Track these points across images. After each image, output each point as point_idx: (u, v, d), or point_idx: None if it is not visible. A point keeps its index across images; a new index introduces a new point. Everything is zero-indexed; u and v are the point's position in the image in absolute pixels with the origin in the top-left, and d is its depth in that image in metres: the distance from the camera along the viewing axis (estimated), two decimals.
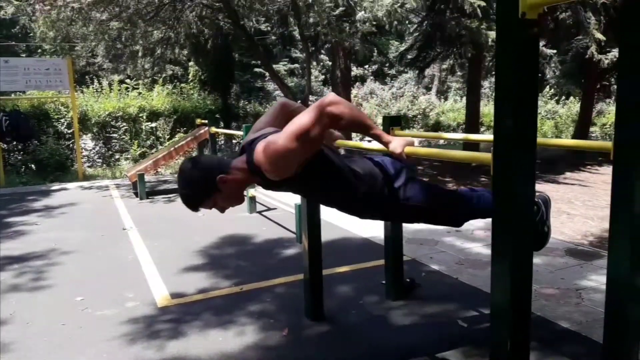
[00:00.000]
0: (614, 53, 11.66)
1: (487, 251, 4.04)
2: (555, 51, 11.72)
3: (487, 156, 1.55)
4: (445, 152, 1.81)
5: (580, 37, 11.61)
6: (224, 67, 14.35)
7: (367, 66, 29.29)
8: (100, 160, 10.98)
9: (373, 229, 4.52)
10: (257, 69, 22.24)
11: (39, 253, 4.29)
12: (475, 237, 4.45)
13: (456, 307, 2.96)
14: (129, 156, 10.86)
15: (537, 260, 3.79)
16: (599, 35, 11.52)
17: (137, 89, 12.03)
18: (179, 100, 12.76)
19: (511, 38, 1.40)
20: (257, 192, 5.59)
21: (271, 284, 3.42)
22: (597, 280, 3.33)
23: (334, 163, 1.88)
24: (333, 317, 2.86)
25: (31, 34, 11.58)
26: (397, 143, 1.95)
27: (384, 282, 3.19)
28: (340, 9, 7.50)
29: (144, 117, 11.32)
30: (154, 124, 11.45)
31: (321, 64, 24.29)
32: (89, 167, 10.45)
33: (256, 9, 8.52)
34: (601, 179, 11.87)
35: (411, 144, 1.94)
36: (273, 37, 16.45)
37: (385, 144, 1.95)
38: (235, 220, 5.34)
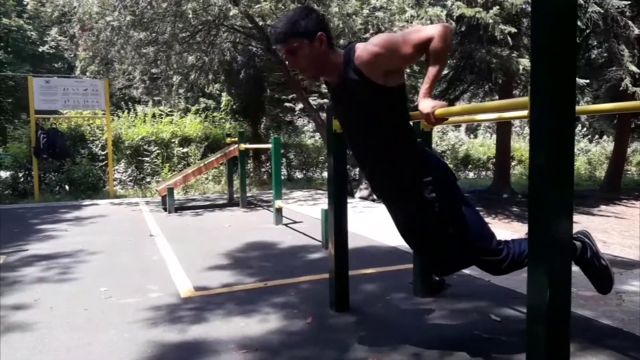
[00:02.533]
0: None
1: None
2: (588, 81, 11.58)
3: (524, 100, 1.49)
4: (480, 106, 1.76)
5: (614, 68, 11.48)
6: (255, 97, 14.65)
7: None
8: (131, 183, 11.18)
9: (400, 239, 4.41)
10: (287, 104, 22.62)
11: (67, 253, 4.33)
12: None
13: (488, 304, 2.83)
14: (159, 179, 11.03)
15: (575, 268, 3.62)
16: (633, 68, 11.38)
17: (171, 116, 12.34)
18: (210, 128, 13.02)
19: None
20: (284, 205, 5.57)
21: (296, 281, 3.36)
22: (638, 285, 3.15)
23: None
24: (359, 309, 2.77)
25: (74, 65, 12.11)
26: (426, 104, 1.92)
27: (411, 282, 3.09)
28: (370, 32, 7.61)
29: (176, 142, 11.55)
30: (185, 149, 11.67)
31: None
32: (120, 189, 10.64)
33: None
34: (638, 212, 11.47)
35: (443, 106, 1.89)
36: None
37: (419, 99, 1.94)
38: (261, 230, 5.32)
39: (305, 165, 15.51)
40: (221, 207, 7.27)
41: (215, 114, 14.24)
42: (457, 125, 27.78)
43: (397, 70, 1.97)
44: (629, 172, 17.67)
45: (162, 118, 12.23)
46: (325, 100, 25.13)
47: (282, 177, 12.84)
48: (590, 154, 19.29)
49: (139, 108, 12.29)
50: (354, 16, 7.34)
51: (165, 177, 10.97)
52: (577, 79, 8.94)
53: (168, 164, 11.24)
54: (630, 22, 11.01)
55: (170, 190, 6.54)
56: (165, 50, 7.85)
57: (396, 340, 2.33)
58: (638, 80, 11.93)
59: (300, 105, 23.45)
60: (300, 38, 1.95)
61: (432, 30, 1.89)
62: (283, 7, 6.98)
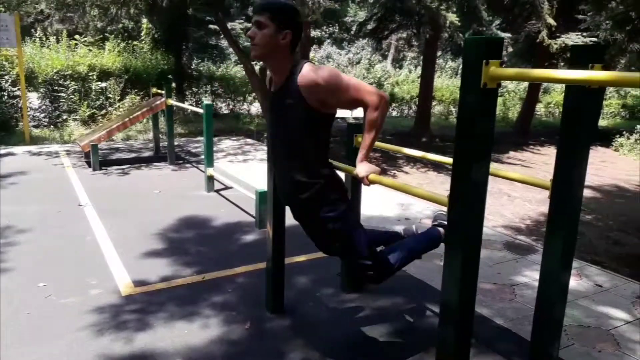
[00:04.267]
0: (563, 39, 12.16)
1: None
2: (509, 35, 12.08)
3: (443, 198, 1.74)
4: (407, 187, 1.99)
5: (534, 21, 12.01)
6: (178, 25, 13.93)
7: (324, 27, 28.93)
8: (47, 120, 10.57)
9: None
10: (212, 26, 21.60)
11: None
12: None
13: (404, 301, 3.22)
14: (77, 117, 10.52)
15: None
16: (551, 21, 11.97)
17: (87, 45, 11.55)
18: (130, 59, 12.35)
19: (473, 100, 1.58)
20: (215, 172, 5.66)
21: (232, 273, 3.58)
22: (529, 276, 3.68)
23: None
24: (293, 310, 3.06)
25: None
26: (362, 168, 2.14)
27: (339, 274, 3.42)
28: None
29: (94, 77, 10.93)
30: (104, 84, 11.09)
31: None
32: (34, 126, 10.07)
33: None
34: (542, 159, 12.56)
35: (377, 172, 2.11)
36: None
37: (357, 163, 2.14)
38: (193, 199, 5.42)
39: (232, 97, 15.23)
40: (147, 162, 7.19)
41: (135, 42, 13.44)
42: (384, 56, 28.01)
43: (331, 105, 2.15)
44: (538, 113, 18.93)
45: (77, 48, 11.44)
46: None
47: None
48: (506, 93, 20.36)
49: (51, 37, 11.35)
50: None
51: (83, 115, 10.49)
52: (499, 32, 9.45)
53: (86, 101, 10.70)
54: None
55: (95, 147, 6.37)
56: None
57: (325, 346, 2.66)
58: (553, 33, 12.62)
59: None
60: (272, 20, 2.10)
61: (372, 97, 2.09)
62: None
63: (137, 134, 9.94)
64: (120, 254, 3.84)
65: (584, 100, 1.86)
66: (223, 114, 14.16)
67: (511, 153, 12.85)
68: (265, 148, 9.04)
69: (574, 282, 3.58)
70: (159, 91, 7.30)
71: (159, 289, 3.29)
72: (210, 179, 5.63)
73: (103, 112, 10.84)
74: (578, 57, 1.85)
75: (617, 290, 3.47)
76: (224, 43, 25.40)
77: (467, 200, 1.64)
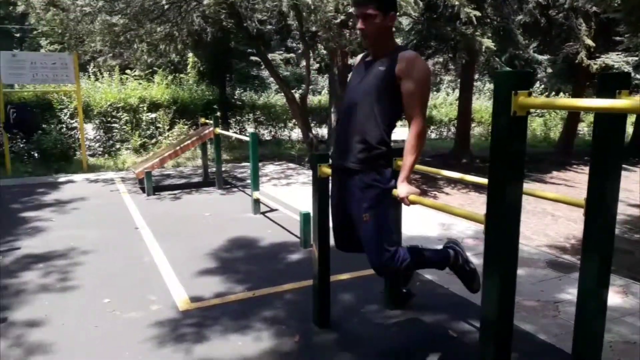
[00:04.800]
0: (603, 59, 12.08)
1: (475, 260, 4.42)
2: (547, 57, 12.08)
3: (480, 217, 1.90)
4: (445, 206, 2.16)
5: (572, 42, 11.98)
6: (221, 58, 14.57)
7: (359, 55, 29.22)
8: (101, 149, 11.21)
9: None
10: (253, 57, 22.35)
11: (60, 252, 4.60)
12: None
13: (447, 317, 3.34)
14: (129, 146, 11.11)
15: (520, 271, 4.18)
16: (589, 42, 11.91)
17: (138, 79, 12.24)
18: (178, 91, 12.99)
19: (505, 127, 1.75)
20: (261, 195, 5.93)
21: (280, 289, 3.78)
22: (573, 293, 3.71)
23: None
24: (338, 324, 3.23)
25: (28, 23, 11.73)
26: (403, 189, 2.33)
27: (382, 291, 3.57)
28: (342, 17, 7.76)
29: (145, 108, 11.55)
30: (154, 115, 11.69)
31: (316, 52, 24.47)
32: (90, 155, 10.69)
33: (259, 9, 8.73)
34: (585, 178, 12.32)
35: (417, 193, 2.29)
36: (270, 27, 16.63)
37: (398, 184, 2.37)
38: (240, 221, 5.69)
39: (273, 124, 15.69)
40: (197, 186, 7.56)
41: (182, 75, 14.12)
42: None
43: (401, 87, 2.42)
44: (580, 133, 18.62)
45: (129, 82, 12.13)
46: (292, 55, 24.88)
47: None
48: (547, 113, 20.14)
49: (105, 74, 12.11)
50: (325, 1, 7.46)
51: (135, 144, 11.07)
52: (536, 55, 9.53)
53: (137, 131, 11.30)
54: None
55: (148, 174, 6.77)
56: (135, 28, 7.82)
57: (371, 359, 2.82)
58: (592, 54, 12.54)
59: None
60: (379, 9, 2.36)
61: (421, 117, 2.40)
62: None
63: (186, 161, 10.40)
64: (176, 272, 4.11)
65: (611, 122, 2.00)
66: (265, 140, 14.60)
67: (554, 173, 12.67)
68: (307, 171, 9.32)
69: (619, 299, 3.61)
70: (207, 121, 7.70)
71: (213, 305, 3.52)
72: (257, 202, 5.89)
73: (153, 141, 11.41)
74: (605, 84, 2.00)
75: None
76: (265, 73, 26.17)
77: (502, 219, 1.80)
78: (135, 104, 11.43)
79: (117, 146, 11.15)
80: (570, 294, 3.73)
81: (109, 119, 11.17)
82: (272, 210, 6.13)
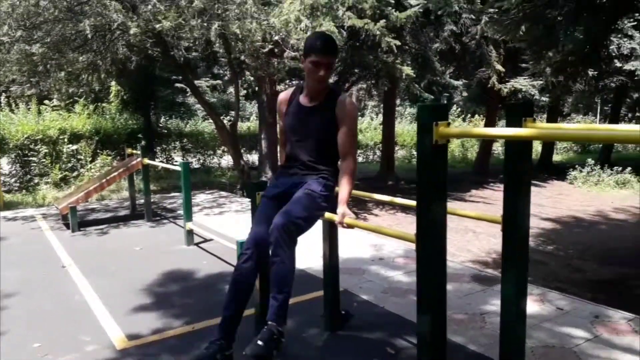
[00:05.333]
0: (512, 83, 13.06)
1: (406, 279, 4.64)
2: (462, 82, 12.89)
3: (411, 236, 2.06)
4: (380, 228, 2.31)
5: (484, 68, 12.88)
6: (145, 85, 14.32)
7: (286, 81, 29.73)
8: (17, 185, 10.60)
9: (308, 260, 4.99)
10: (178, 84, 22.10)
11: None
12: (396, 265, 5.05)
13: (384, 335, 3.48)
14: (49, 180, 10.59)
15: (448, 286, 4.41)
16: (499, 67, 12.85)
17: (57, 109, 11.76)
18: (100, 121, 12.60)
19: (428, 155, 1.93)
20: (194, 225, 5.88)
21: (220, 321, 3.76)
22: (497, 304, 3.99)
23: None
24: (282, 351, 3.27)
25: None
26: (340, 210, 2.54)
27: (322, 315, 3.66)
28: (270, 46, 7.93)
29: (65, 140, 11.10)
30: (75, 147, 11.25)
31: (244, 78, 24.58)
32: (5, 192, 10.07)
33: (185, 38, 8.73)
34: (502, 196, 13.15)
35: (352, 217, 2.45)
36: (196, 54, 16.59)
37: (339, 203, 2.65)
38: (173, 253, 5.60)
39: (201, 151, 15.53)
40: (125, 220, 7.34)
41: (104, 104, 13.72)
42: None
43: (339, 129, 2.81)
44: (495, 152, 19.85)
45: (47, 113, 11.63)
46: (218, 82, 24.76)
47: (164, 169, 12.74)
48: None
49: (21, 105, 11.55)
50: (253, 31, 7.61)
51: (55, 178, 10.57)
52: (452, 80, 10.18)
53: (58, 164, 10.81)
54: (484, 26, 12.32)
55: (73, 209, 6.51)
56: (56, 58, 7.58)
57: None
58: (502, 78, 13.53)
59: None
60: (335, 58, 2.78)
61: (355, 153, 2.79)
62: (184, 22, 7.08)
63: (110, 194, 10.05)
64: (109, 310, 3.99)
65: (519, 145, 2.24)
66: (194, 169, 14.41)
67: (473, 191, 13.43)
68: (240, 199, 9.30)
69: (537, 307, 3.92)
70: (134, 151, 7.54)
71: (152, 341, 3.45)
72: (190, 233, 5.83)
73: (75, 173, 10.96)
74: (512, 113, 2.24)
75: (576, 312, 3.81)
76: (191, 100, 25.92)
77: (431, 237, 1.97)
78: (54, 135, 10.96)
79: (36, 180, 10.60)
80: (495, 305, 4.00)
81: (26, 152, 10.62)
82: (206, 240, 6.08)
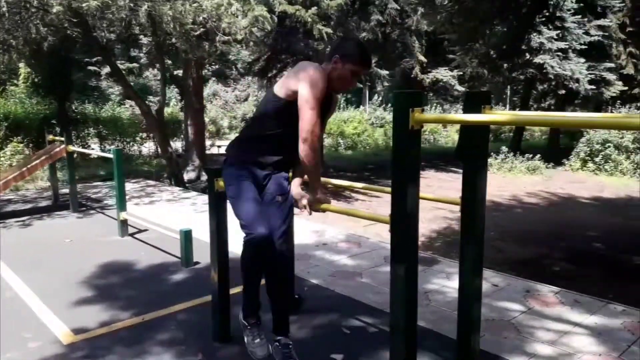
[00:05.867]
0: (434, 73, 13.64)
1: (351, 262, 4.77)
2: (388, 72, 13.26)
3: (385, 218, 2.15)
4: (352, 211, 2.38)
5: (407, 58, 13.32)
6: (59, 68, 13.40)
7: (208, 66, 29.08)
8: None
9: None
10: (91, 67, 20.89)
11: None
12: (340, 250, 5.17)
13: (337, 317, 3.57)
14: None
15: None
16: (422, 58, 13.34)
17: None
18: (9, 106, 11.66)
19: (404, 139, 2.01)
20: (129, 214, 5.66)
21: (171, 311, 3.68)
22: (438, 283, 4.22)
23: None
24: (239, 338, 3.26)
25: None
26: (311, 199, 2.53)
27: None
28: (201, 29, 7.73)
29: None
30: None
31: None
32: None
33: (108, 19, 8.29)
34: (424, 182, 13.74)
35: (327, 202, 2.50)
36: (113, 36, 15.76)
37: (310, 190, 2.57)
38: (108, 244, 5.36)
39: (121, 139, 14.84)
40: (48, 211, 6.90)
41: (12, 88, 12.70)
42: None
43: None
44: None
45: None
46: (135, 64, 23.68)
47: (94, 156, 12.09)
48: (386, 124, 21.94)
49: None
50: (184, 13, 7.37)
51: None
52: (378, 69, 10.47)
53: None
54: (420, 17, 12.79)
55: None
56: None
57: None
58: (425, 69, 14.07)
59: (106, 69, 21.84)
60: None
61: (307, 135, 2.44)
62: (111, 2, 6.72)
63: (24, 184, 9.36)
64: (48, 305, 3.77)
65: (479, 130, 2.39)
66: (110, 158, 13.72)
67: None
68: (169, 188, 9.03)
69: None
70: (56, 138, 7.08)
71: (101, 334, 3.32)
72: (124, 223, 5.60)
73: None
74: (472, 101, 2.38)
75: (510, 288, 4.12)
76: (104, 84, 24.60)
77: (405, 217, 2.06)
78: None
79: None
80: (435, 284, 4.22)
81: None
82: (141, 230, 5.87)
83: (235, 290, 3.97)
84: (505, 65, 8.65)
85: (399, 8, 12.20)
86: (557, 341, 3.20)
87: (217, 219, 3.11)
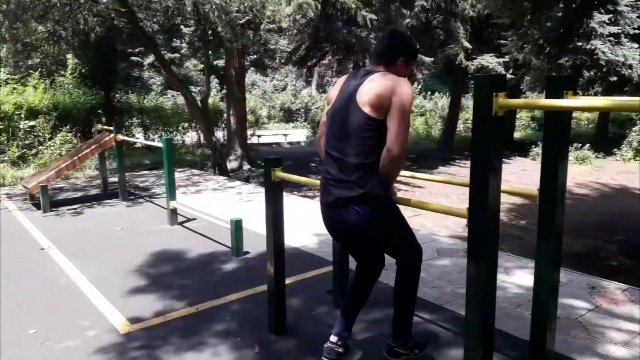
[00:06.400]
0: (479, 60, 13.21)
1: None
2: (432, 59, 12.93)
3: (462, 211, 2.01)
4: (423, 204, 2.26)
5: (452, 45, 12.95)
6: (106, 59, 13.65)
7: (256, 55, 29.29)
8: None
9: (301, 238, 4.91)
10: (134, 58, 21.27)
11: None
12: None
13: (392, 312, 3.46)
14: (5, 158, 9.99)
15: (445, 261, 4.46)
16: (467, 44, 12.95)
17: (10, 83, 11.06)
18: (58, 96, 11.94)
19: (487, 126, 1.87)
20: (178, 203, 5.67)
21: (224, 301, 3.65)
22: (497, 276, 4.04)
23: None
24: (295, 330, 3.20)
25: None
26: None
27: (328, 292, 3.60)
28: (247, 17, 7.67)
29: (22, 116, 10.47)
30: (32, 123, 10.64)
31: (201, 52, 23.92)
32: None
33: (154, 8, 8.34)
34: (468, 172, 13.42)
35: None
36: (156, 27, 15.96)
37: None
38: (158, 233, 5.39)
39: (164, 129, 15.05)
40: (98, 199, 7.02)
41: (61, 78, 13.01)
42: (308, 81, 28.66)
43: None
44: (457, 130, 20.20)
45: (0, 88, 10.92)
46: (176, 55, 23.96)
47: (140, 145, 12.28)
48: (427, 112, 21.56)
49: None
50: (228, 1, 7.32)
51: (13, 156, 9.99)
52: (422, 56, 10.14)
53: (15, 141, 10.20)
54: (466, 3, 12.38)
55: (44, 188, 6.16)
56: (15, 26, 7.08)
57: None
58: (469, 55, 13.66)
59: (149, 60, 22.14)
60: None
61: (396, 151, 2.28)
62: None
63: (73, 172, 9.59)
64: (103, 293, 3.80)
65: (559, 119, 2.22)
66: (157, 147, 13.95)
67: (441, 168, 13.64)
68: (214, 177, 9.08)
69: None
70: (106, 127, 7.19)
71: (156, 324, 3.31)
72: (174, 212, 5.63)
73: (33, 151, 10.38)
74: (554, 86, 2.20)
75: (573, 284, 3.91)
76: (145, 74, 25.04)
77: (485, 211, 1.92)
78: (10, 111, 10.31)
79: None
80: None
81: None
82: (189, 220, 5.89)
83: (289, 280, 3.95)
84: (557, 51, 8.27)
85: None
86: (631, 342, 3.00)
87: (274, 210, 3.03)
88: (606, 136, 17.31)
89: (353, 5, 9.02)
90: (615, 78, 14.70)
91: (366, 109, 2.28)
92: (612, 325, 3.23)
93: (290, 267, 4.19)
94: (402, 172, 3.15)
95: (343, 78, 2.56)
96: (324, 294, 3.69)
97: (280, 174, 2.92)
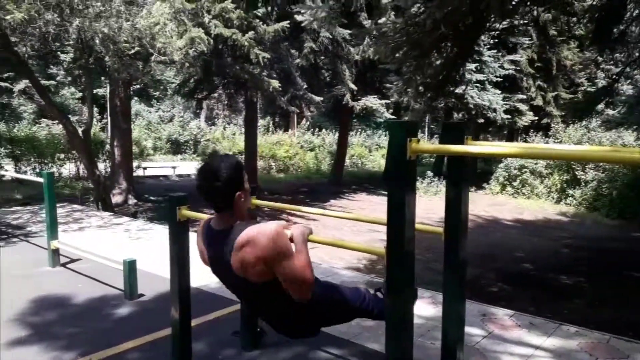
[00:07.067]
0: (364, 100, 13.99)
1: None
2: (322, 98, 13.42)
3: (381, 250, 2.11)
4: (342, 242, 2.31)
5: (339, 86, 13.58)
6: None
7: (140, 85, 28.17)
8: None
9: (200, 277, 4.74)
10: (2, 84, 19.55)
11: None
12: None
13: (303, 350, 3.45)
14: None
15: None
16: (352, 85, 13.66)
17: None
18: None
19: (401, 168, 1.99)
20: (60, 243, 5.22)
21: (120, 350, 3.39)
22: None
23: None
24: None
25: None
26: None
27: (234, 333, 3.51)
28: (136, 48, 7.42)
29: None
30: None
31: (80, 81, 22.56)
32: None
33: (31, 34, 7.77)
34: (357, 205, 13.96)
35: (311, 232, 2.40)
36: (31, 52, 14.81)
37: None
38: (39, 277, 4.91)
39: (38, 160, 13.84)
40: None
41: None
42: (197, 113, 28.15)
43: None
44: (345, 165, 20.97)
45: None
46: (52, 82, 22.41)
47: (9, 178, 11.21)
48: (316, 148, 22.15)
49: None
50: (118, 31, 7.06)
51: None
52: (311, 94, 10.55)
53: None
54: (351, 48, 13.09)
55: None
56: None
57: None
58: (355, 96, 14.40)
59: (20, 86, 20.45)
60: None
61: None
62: (37, 16, 6.30)
63: None
64: None
65: (457, 160, 2.42)
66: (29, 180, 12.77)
67: (332, 201, 14.01)
68: (98, 213, 8.49)
69: (432, 309, 4.21)
70: None
71: None
72: (56, 253, 5.16)
73: None
74: (451, 132, 2.40)
75: (467, 312, 4.17)
76: (15, 101, 22.98)
77: (403, 249, 2.03)
78: None
79: None
80: None
81: None
82: (74, 260, 5.42)
83: (193, 323, 3.78)
84: (434, 95, 9.09)
85: (331, 37, 12.41)
86: None
87: (179, 250, 2.92)
88: (475, 171, 19.05)
89: (246, 43, 9.13)
90: (482, 120, 16.36)
91: None
92: (505, 350, 3.51)
93: (192, 308, 4.05)
94: (308, 209, 3.20)
95: None
96: (229, 335, 3.58)
97: (186, 212, 2.83)
